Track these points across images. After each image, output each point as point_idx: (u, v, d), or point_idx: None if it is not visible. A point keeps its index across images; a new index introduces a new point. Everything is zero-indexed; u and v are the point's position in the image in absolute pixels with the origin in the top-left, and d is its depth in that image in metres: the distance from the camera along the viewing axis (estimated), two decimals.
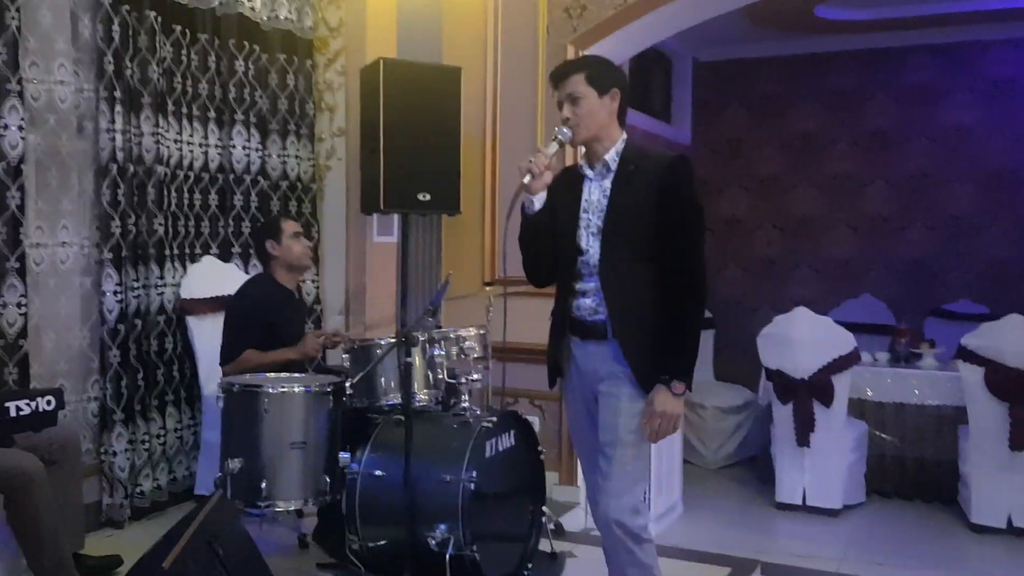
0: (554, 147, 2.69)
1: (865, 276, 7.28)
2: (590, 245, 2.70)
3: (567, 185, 2.78)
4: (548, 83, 2.82)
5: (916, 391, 5.21)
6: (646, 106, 6.94)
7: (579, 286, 2.74)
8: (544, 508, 3.61)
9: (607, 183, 2.72)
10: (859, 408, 5.27)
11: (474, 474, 3.05)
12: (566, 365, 2.82)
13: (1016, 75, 6.83)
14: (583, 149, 2.81)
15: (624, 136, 2.75)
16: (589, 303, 2.72)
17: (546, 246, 2.77)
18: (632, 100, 6.64)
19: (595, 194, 2.74)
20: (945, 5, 6.38)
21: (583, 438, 2.87)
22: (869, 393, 5.28)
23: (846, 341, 4.89)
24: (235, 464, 3.01)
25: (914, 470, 5.24)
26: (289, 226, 3.98)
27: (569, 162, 4.44)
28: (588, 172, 2.77)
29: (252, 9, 4.69)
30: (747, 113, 7.66)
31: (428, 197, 4.62)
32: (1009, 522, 4.58)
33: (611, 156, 2.72)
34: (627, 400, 2.65)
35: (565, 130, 2.69)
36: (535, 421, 4.07)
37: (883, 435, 5.26)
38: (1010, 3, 6.25)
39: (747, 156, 7.65)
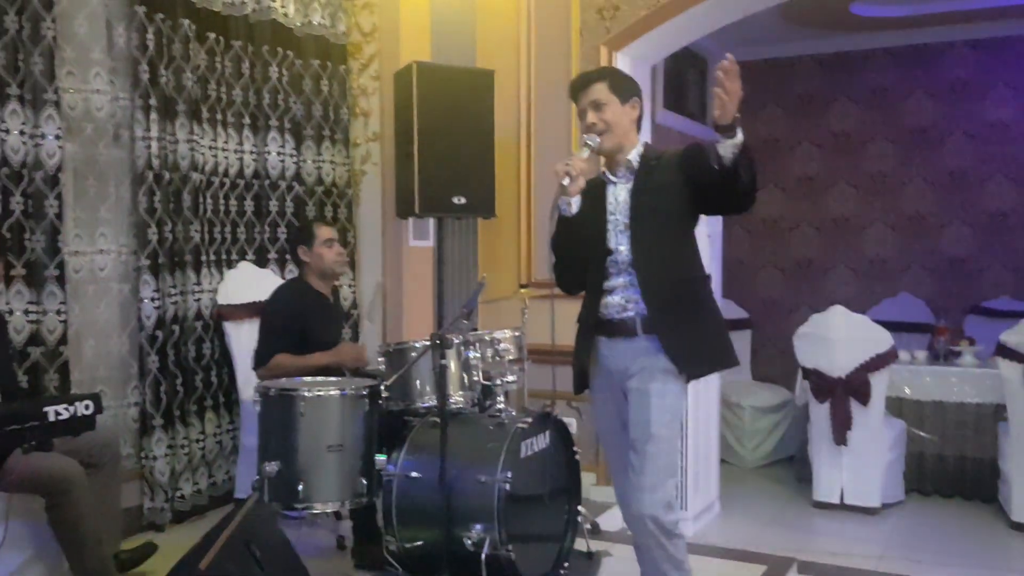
0: (586, 152, 2.74)
1: (903, 275, 7.19)
2: (619, 244, 2.77)
3: (591, 193, 2.81)
4: (569, 92, 2.88)
5: (955, 389, 5.15)
6: (681, 107, 6.91)
7: (608, 284, 2.79)
8: (580, 508, 3.61)
9: (631, 184, 2.81)
10: (897, 406, 5.21)
11: (509, 475, 3.05)
12: (593, 368, 2.86)
13: None
14: (603, 160, 2.88)
15: (643, 141, 2.86)
16: (618, 300, 2.77)
17: (579, 250, 2.82)
18: (667, 101, 6.63)
19: (621, 195, 2.81)
20: (981, 0, 6.28)
21: (613, 438, 2.90)
22: (907, 391, 5.23)
23: (883, 339, 4.84)
24: (272, 467, 3.04)
25: (953, 468, 5.17)
26: (323, 232, 4.00)
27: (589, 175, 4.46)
28: (611, 177, 2.85)
29: (285, 15, 4.75)
30: (783, 112, 7.61)
31: (463, 201, 4.64)
32: None
33: (633, 157, 2.81)
34: (657, 395, 2.69)
35: (594, 136, 2.76)
36: (572, 422, 4.07)
37: (922, 433, 5.20)
38: None
39: (784, 156, 7.59)
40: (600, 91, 2.78)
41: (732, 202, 2.65)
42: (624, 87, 2.82)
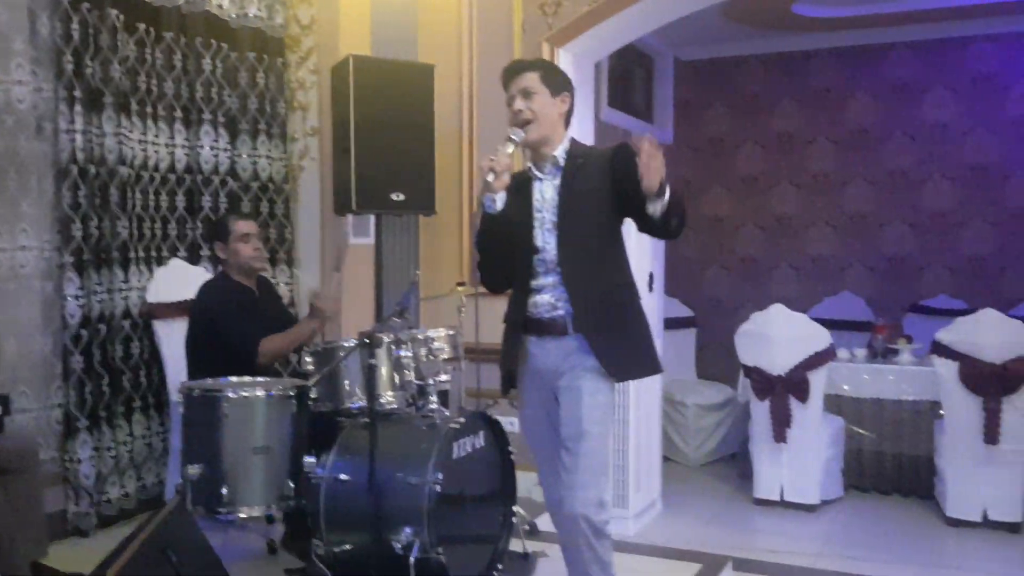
0: (510, 147, 2.71)
1: (845, 273, 7.27)
2: (546, 242, 2.76)
3: (517, 189, 2.79)
4: (502, 77, 2.84)
5: (893, 386, 5.19)
6: (628, 106, 6.90)
7: (535, 283, 2.77)
8: (517, 508, 3.57)
9: (557, 181, 2.78)
10: (836, 404, 5.25)
11: (440, 476, 3.00)
12: (522, 367, 2.84)
13: (996, 71, 6.82)
14: (528, 154, 2.86)
15: (570, 137, 2.83)
16: (547, 299, 2.76)
17: (504, 247, 2.79)
18: (612, 98, 6.61)
19: (547, 192, 2.79)
20: (924, 1, 6.36)
21: (541, 439, 2.88)
22: (846, 389, 5.26)
23: (821, 337, 4.86)
24: (195, 470, 2.96)
25: (891, 465, 5.22)
26: (239, 227, 3.88)
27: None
28: (537, 173, 2.81)
29: (220, 7, 4.64)
30: (729, 112, 7.64)
31: (402, 197, 4.57)
32: (984, 516, 4.56)
33: (559, 153, 2.78)
34: (588, 393, 2.68)
35: (519, 130, 2.74)
36: (514, 421, 4.03)
37: (860, 430, 5.25)
38: None
39: (729, 155, 7.63)
40: (531, 80, 2.76)
41: (660, 236, 2.75)
42: (556, 80, 2.81)
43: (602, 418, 2.69)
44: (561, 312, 2.74)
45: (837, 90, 7.25)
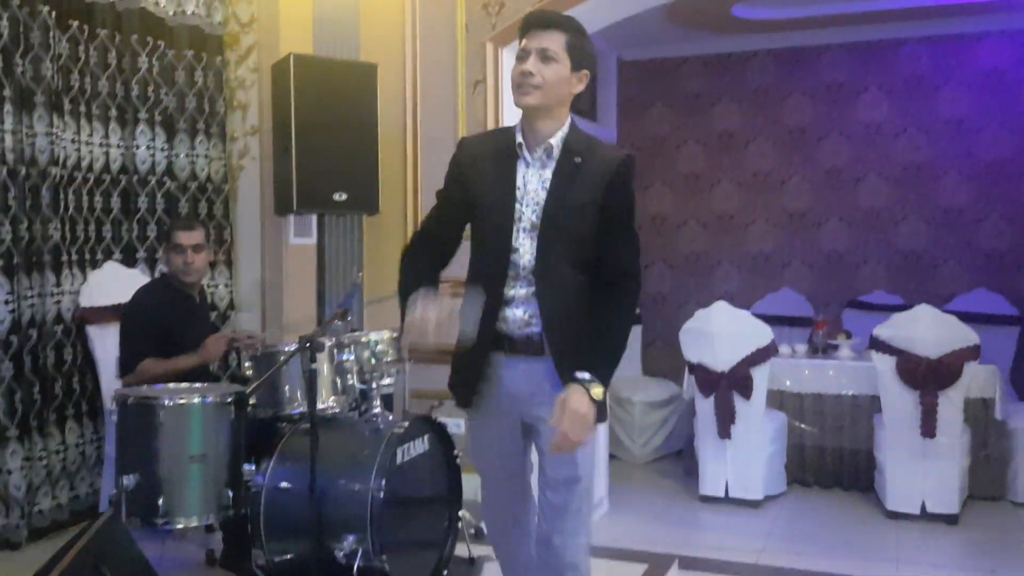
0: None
1: (785, 270, 7.37)
2: (520, 243, 2.36)
3: (498, 158, 2.39)
4: (523, 23, 2.37)
5: (833, 381, 5.29)
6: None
7: (509, 292, 2.36)
8: (463, 513, 3.55)
9: (547, 172, 2.37)
10: (778, 399, 5.32)
11: (383, 482, 2.97)
12: (483, 385, 2.43)
13: (928, 72, 6.97)
14: (518, 122, 2.42)
15: (570, 120, 2.42)
16: (520, 314, 2.36)
17: (453, 234, 2.47)
18: None
19: (532, 183, 2.38)
20: (859, 4, 6.48)
21: (496, 466, 2.52)
22: (788, 384, 5.34)
23: (763, 334, 4.93)
24: (130, 480, 2.88)
25: (832, 459, 5.31)
26: (176, 236, 3.80)
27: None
28: (526, 154, 2.39)
29: (156, 4, 4.54)
30: (671, 111, 7.70)
31: (344, 197, 4.52)
32: (923, 508, 4.66)
33: (556, 141, 2.37)
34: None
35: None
36: (460, 424, 3.99)
37: (802, 425, 5.33)
38: (921, 1, 6.38)
39: (671, 153, 7.69)
40: (556, 41, 2.31)
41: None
42: (582, 52, 2.36)
43: (592, 460, 2.41)
44: (536, 329, 2.36)
45: (775, 90, 7.35)
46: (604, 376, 2.26)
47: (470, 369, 2.43)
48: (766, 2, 6.50)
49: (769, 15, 6.72)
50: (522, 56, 2.33)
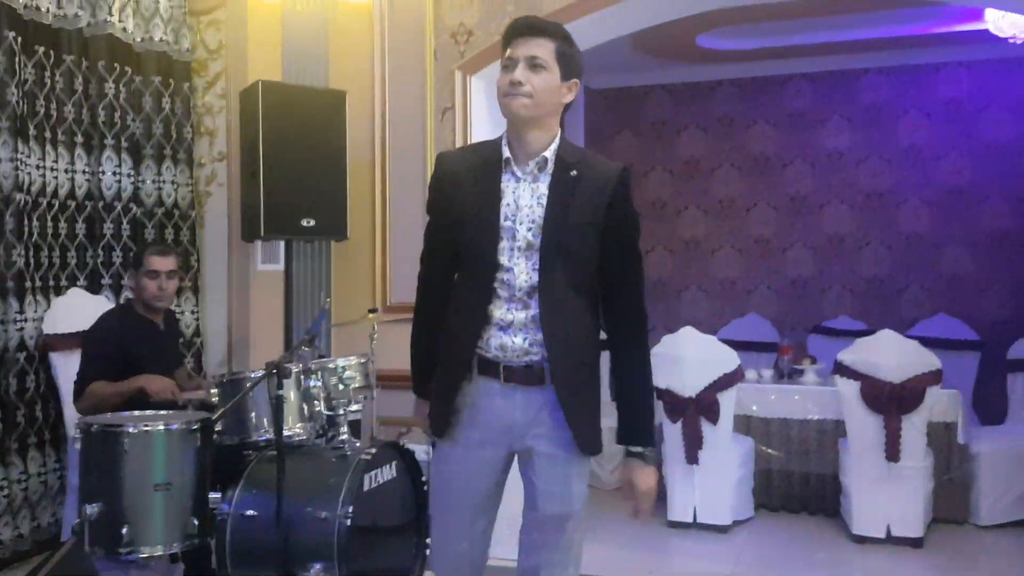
0: None
1: (751, 296, 7.46)
2: (514, 262, 2.19)
3: (482, 172, 2.24)
4: (508, 31, 2.25)
5: (799, 406, 5.32)
6: None
7: (499, 315, 2.21)
8: (430, 540, 3.53)
9: (542, 186, 2.22)
10: (745, 424, 5.35)
11: (351, 509, 2.95)
12: (468, 411, 2.26)
13: (887, 102, 7.13)
14: (505, 135, 2.28)
15: (560, 131, 2.28)
16: (520, 342, 2.20)
17: (443, 249, 2.33)
18: None
19: (525, 198, 2.22)
20: (820, 35, 6.62)
21: (467, 504, 2.30)
22: (754, 409, 5.38)
23: (730, 359, 4.96)
24: (93, 509, 2.83)
25: (799, 484, 5.34)
26: (150, 262, 3.76)
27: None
28: (515, 168, 2.24)
29: (124, 30, 4.53)
30: (637, 139, 7.80)
31: (312, 223, 4.51)
32: (888, 532, 4.70)
33: (550, 153, 2.22)
34: (577, 463, 2.24)
35: None
36: (429, 450, 3.98)
37: (769, 450, 5.36)
38: (881, 33, 6.54)
39: (639, 180, 7.76)
40: (545, 49, 2.18)
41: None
42: (571, 60, 2.23)
43: (587, 492, 2.31)
44: (537, 358, 2.20)
45: (740, 119, 7.48)
46: (651, 438, 2.29)
47: (453, 396, 2.26)
48: (730, 33, 6.62)
49: (733, 46, 6.85)
50: (509, 65, 2.20)
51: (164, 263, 3.77)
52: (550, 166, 2.22)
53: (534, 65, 2.17)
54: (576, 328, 2.21)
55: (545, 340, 2.18)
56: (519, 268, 2.19)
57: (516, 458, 2.31)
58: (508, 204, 2.21)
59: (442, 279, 2.34)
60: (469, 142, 4.80)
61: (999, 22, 5.57)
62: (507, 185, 2.22)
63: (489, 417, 2.24)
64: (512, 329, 2.20)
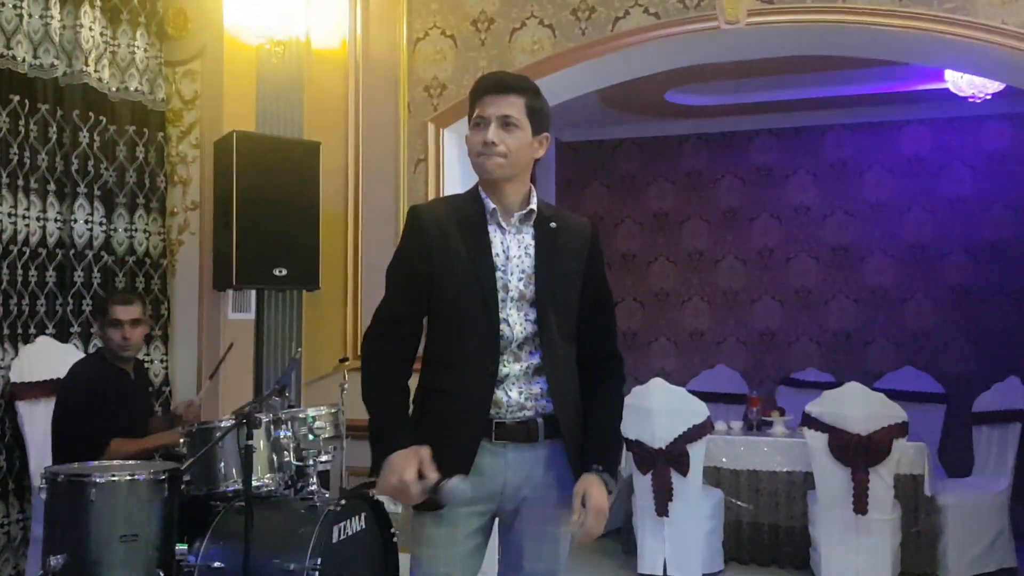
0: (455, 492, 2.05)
1: (720, 347, 7.53)
2: (508, 314, 2.15)
3: (466, 225, 2.20)
4: (477, 88, 2.22)
5: (768, 458, 5.35)
6: None
7: (502, 371, 2.14)
8: None
9: (527, 238, 2.21)
10: (715, 476, 5.37)
11: (319, 561, 2.93)
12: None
13: (852, 157, 7.31)
14: (483, 193, 2.24)
15: (532, 188, 2.29)
16: (516, 396, 2.15)
17: (422, 313, 2.21)
18: None
19: (514, 249, 2.20)
20: (785, 92, 6.80)
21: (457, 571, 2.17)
22: (724, 461, 5.40)
23: (699, 411, 4.99)
24: (58, 561, 2.79)
25: (769, 536, 5.35)
26: (113, 311, 3.75)
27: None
28: (501, 220, 2.21)
29: (99, 80, 4.56)
30: (607, 191, 7.91)
31: (284, 272, 4.52)
32: None
33: (534, 205, 2.23)
34: (565, 520, 2.14)
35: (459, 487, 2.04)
36: (399, 504, 3.96)
37: (738, 502, 5.37)
38: (844, 91, 6.72)
39: (608, 232, 7.86)
40: (517, 107, 2.16)
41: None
42: (540, 115, 2.22)
43: (568, 550, 2.24)
44: (531, 413, 2.15)
45: (708, 172, 7.62)
46: (614, 468, 2.19)
47: (462, 465, 2.08)
48: (698, 89, 6.78)
49: (701, 101, 7.01)
50: (481, 124, 2.16)
51: (127, 312, 3.75)
52: (532, 219, 2.22)
53: (506, 124, 2.15)
54: (572, 378, 2.22)
55: (551, 392, 2.16)
56: (513, 319, 2.15)
57: (497, 519, 2.24)
58: (498, 255, 2.18)
59: (411, 329, 2.23)
60: (442, 194, 4.86)
61: (958, 82, 5.76)
62: (495, 236, 2.20)
63: (478, 479, 2.10)
64: (507, 384, 2.14)
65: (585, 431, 2.22)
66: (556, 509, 2.18)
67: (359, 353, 4.66)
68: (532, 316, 2.17)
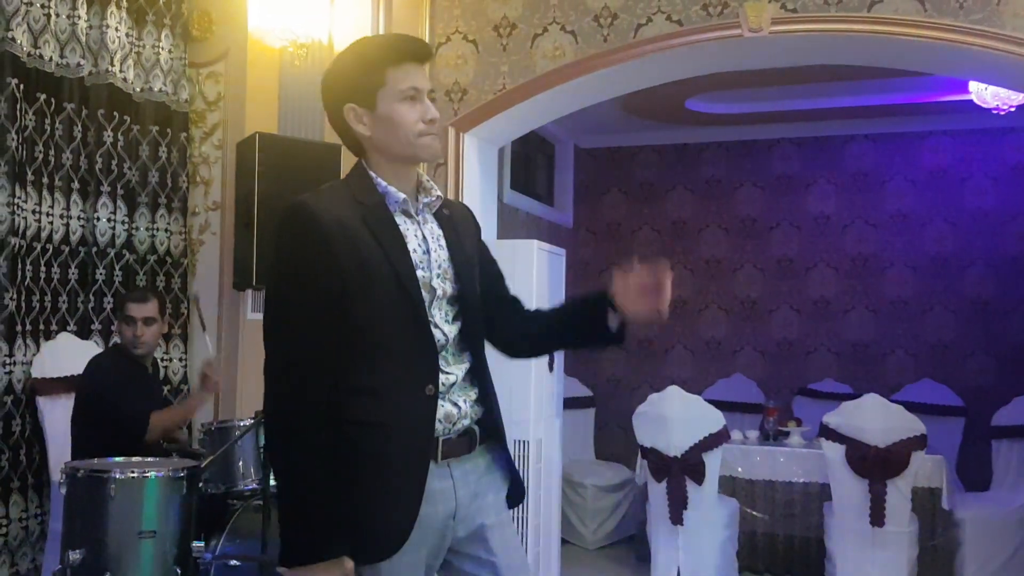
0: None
1: (736, 356, 7.50)
2: (433, 317, 1.88)
3: (371, 219, 1.84)
4: (400, 51, 1.90)
5: (784, 468, 5.33)
6: (530, 189, 7.08)
7: (446, 382, 1.88)
8: None
9: (435, 228, 1.95)
10: (730, 486, 5.35)
11: None
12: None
13: (872, 168, 7.27)
14: (379, 177, 1.92)
15: None
16: (451, 409, 1.89)
17: (331, 342, 1.81)
18: (515, 182, 6.81)
19: (428, 241, 1.91)
20: (807, 102, 6.77)
21: None
22: (739, 470, 5.38)
23: (715, 419, 4.97)
24: (76, 555, 2.82)
25: (784, 547, 5.33)
26: (128, 308, 3.82)
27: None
28: (411, 209, 1.91)
29: (124, 80, 4.61)
30: (625, 198, 7.90)
31: None
32: None
33: (437, 190, 1.97)
34: (511, 525, 2.03)
35: None
36: None
37: (754, 512, 5.35)
38: (866, 101, 6.69)
39: (626, 239, 7.86)
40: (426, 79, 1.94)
41: (520, 355, 2.18)
42: None
43: None
44: (467, 422, 1.91)
45: (727, 181, 7.59)
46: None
47: (411, 500, 1.79)
48: (718, 97, 6.77)
49: (721, 109, 6.99)
50: (416, 96, 1.87)
51: (141, 310, 3.80)
52: (438, 205, 1.96)
53: (432, 98, 1.92)
54: (488, 370, 1.98)
55: (484, 394, 1.94)
56: (438, 322, 1.88)
57: (451, 548, 1.93)
58: (415, 251, 1.87)
59: (329, 365, 1.81)
60: (461, 198, 4.87)
61: (982, 93, 5.73)
62: (407, 229, 1.88)
63: (428, 510, 1.82)
64: (451, 394, 1.89)
65: (563, 308, 2.16)
66: (507, 512, 2.01)
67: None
68: (451, 315, 1.91)
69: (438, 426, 1.85)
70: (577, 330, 2.11)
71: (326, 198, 1.85)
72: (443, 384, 1.86)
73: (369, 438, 1.80)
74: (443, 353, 1.88)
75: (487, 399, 1.95)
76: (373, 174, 1.90)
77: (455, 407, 1.89)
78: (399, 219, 1.88)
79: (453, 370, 1.90)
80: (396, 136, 1.87)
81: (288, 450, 1.79)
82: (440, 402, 1.85)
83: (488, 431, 1.95)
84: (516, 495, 2.03)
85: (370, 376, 1.81)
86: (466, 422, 1.91)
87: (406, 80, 1.86)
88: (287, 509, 1.78)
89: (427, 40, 5.01)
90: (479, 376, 1.94)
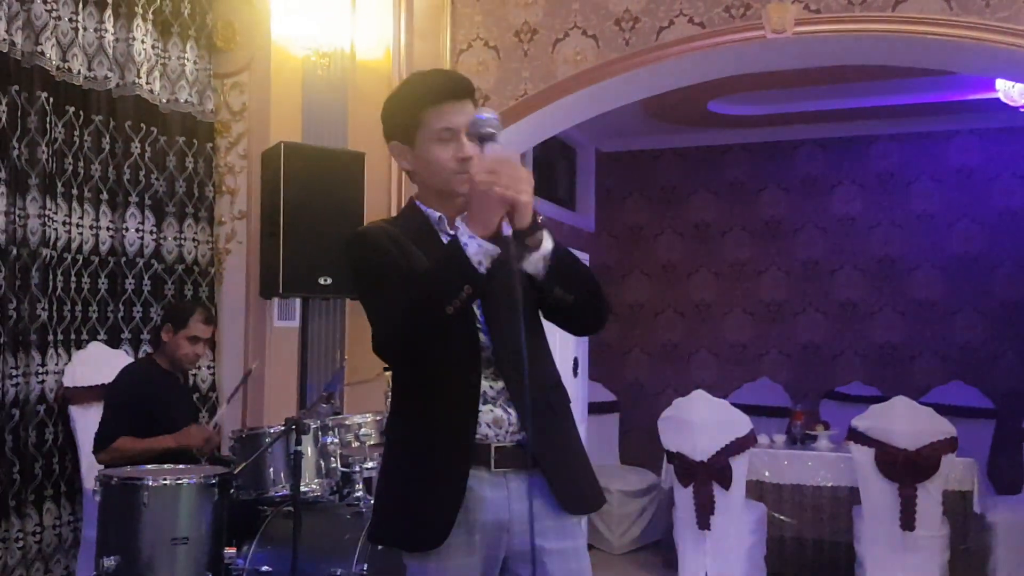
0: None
1: (762, 360, 7.46)
2: (479, 321, 1.94)
3: (419, 241, 1.96)
4: (435, 91, 1.97)
5: (812, 472, 5.30)
6: (551, 194, 7.09)
7: (485, 384, 1.91)
8: None
9: None
10: (758, 490, 5.32)
11: (365, 567, 2.95)
12: (457, 518, 1.86)
13: (898, 168, 7.22)
14: (424, 205, 2.03)
15: None
16: (502, 415, 1.92)
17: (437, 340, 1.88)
18: (538, 188, 6.84)
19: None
20: (831, 102, 6.74)
21: None
22: (767, 475, 5.36)
23: (742, 423, 4.96)
24: (111, 562, 2.86)
25: (812, 551, 5.30)
26: (197, 328, 3.84)
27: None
28: (448, 227, 1.99)
29: (151, 92, 4.66)
30: (647, 202, 7.88)
31: (329, 281, 4.57)
32: None
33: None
34: (585, 551, 2.02)
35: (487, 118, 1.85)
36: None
37: (781, 516, 5.32)
38: (891, 101, 6.65)
39: (648, 243, 7.85)
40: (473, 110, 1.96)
41: (571, 326, 2.05)
42: None
43: None
44: (520, 435, 1.91)
45: (751, 183, 7.56)
46: (559, 247, 1.94)
47: (450, 494, 1.85)
48: (741, 99, 6.74)
49: (744, 111, 6.97)
50: (450, 137, 1.93)
51: (207, 331, 3.89)
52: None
53: (485, 137, 1.87)
54: (537, 379, 1.86)
55: (515, 408, 1.92)
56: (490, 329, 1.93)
57: (505, 562, 1.94)
58: None
59: None
60: None
61: (1009, 91, 5.68)
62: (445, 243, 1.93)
63: (479, 515, 1.87)
64: (495, 403, 1.91)
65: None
66: (574, 540, 1.99)
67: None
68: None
69: (488, 431, 1.89)
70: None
71: (379, 224, 2.04)
72: (491, 388, 1.91)
73: (413, 428, 1.93)
74: (492, 360, 1.92)
75: (542, 415, 1.90)
76: (418, 203, 2.04)
77: (505, 413, 1.91)
78: (442, 236, 1.99)
79: (494, 378, 1.92)
80: (432, 174, 1.98)
81: (408, 310, 1.84)
82: (490, 406, 1.90)
83: (537, 447, 1.87)
84: (575, 506, 1.99)
85: (418, 374, 1.92)
86: (517, 436, 1.91)
87: (440, 120, 1.94)
88: (430, 273, 1.87)
89: (448, 47, 5.05)
90: (512, 394, 1.91)
